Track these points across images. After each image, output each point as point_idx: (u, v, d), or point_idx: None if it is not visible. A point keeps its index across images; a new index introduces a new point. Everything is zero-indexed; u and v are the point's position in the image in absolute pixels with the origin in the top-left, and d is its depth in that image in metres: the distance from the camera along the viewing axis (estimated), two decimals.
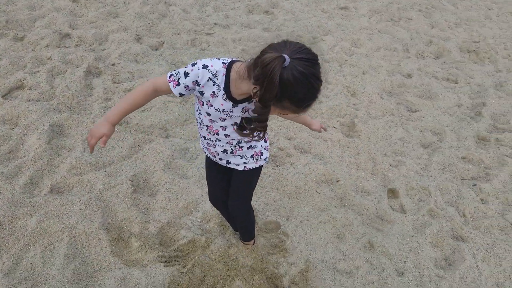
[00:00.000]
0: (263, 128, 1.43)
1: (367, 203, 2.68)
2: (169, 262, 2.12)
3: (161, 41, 4.13)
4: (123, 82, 3.40)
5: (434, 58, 4.77)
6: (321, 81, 1.31)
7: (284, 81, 1.22)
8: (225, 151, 1.70)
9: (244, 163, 1.77)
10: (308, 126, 2.03)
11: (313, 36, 4.72)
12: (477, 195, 2.88)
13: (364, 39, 4.82)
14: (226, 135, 1.62)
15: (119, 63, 3.60)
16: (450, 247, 2.47)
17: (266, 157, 1.81)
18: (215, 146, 1.70)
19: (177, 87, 1.47)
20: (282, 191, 2.67)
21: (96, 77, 3.41)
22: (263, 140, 1.78)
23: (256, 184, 1.94)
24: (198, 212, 2.42)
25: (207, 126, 1.60)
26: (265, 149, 1.80)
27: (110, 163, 2.63)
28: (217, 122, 1.57)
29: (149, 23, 4.35)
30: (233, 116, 1.53)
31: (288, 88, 1.24)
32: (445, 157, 3.18)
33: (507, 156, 3.27)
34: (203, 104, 1.52)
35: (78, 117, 2.91)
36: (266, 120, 1.38)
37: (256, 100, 1.31)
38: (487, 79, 4.38)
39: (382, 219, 2.61)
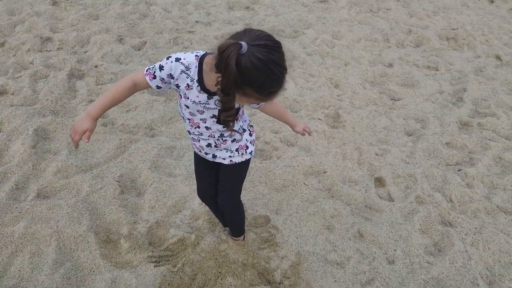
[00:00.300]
0: (231, 118, 1.43)
1: (355, 192, 2.72)
2: (159, 262, 2.13)
3: (143, 41, 4.10)
4: (107, 83, 3.37)
5: (414, 47, 4.82)
6: (284, 68, 1.31)
7: (242, 67, 1.23)
8: (209, 145, 1.71)
9: (230, 156, 1.77)
10: (292, 126, 1.99)
11: (295, 30, 4.74)
12: (462, 180, 2.93)
13: (344, 31, 4.85)
14: (207, 128, 1.63)
15: (102, 65, 3.57)
16: (439, 233, 2.52)
17: (251, 151, 1.82)
18: (199, 140, 1.71)
19: (153, 80, 1.51)
20: (270, 185, 2.68)
21: (79, 79, 3.38)
22: (247, 134, 1.79)
23: (244, 178, 1.94)
24: (187, 210, 2.42)
25: (188, 119, 1.63)
26: (250, 142, 1.81)
27: (97, 164, 2.62)
28: (196, 115, 1.59)
29: (130, 24, 4.32)
30: (210, 108, 1.54)
31: (247, 75, 1.25)
32: (430, 144, 3.23)
33: (489, 140, 3.34)
34: (181, 97, 1.56)
35: (63, 120, 2.88)
36: (232, 108, 1.38)
37: (218, 88, 1.32)
38: (467, 65, 4.46)
39: (370, 208, 2.65)
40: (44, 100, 3.03)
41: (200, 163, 1.92)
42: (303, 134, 1.99)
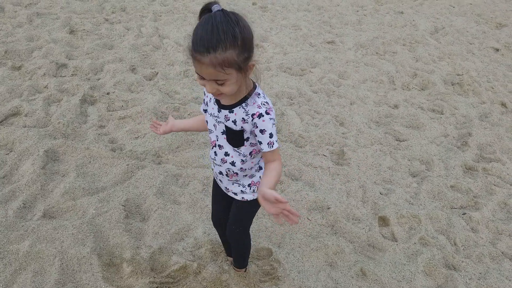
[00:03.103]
0: (236, 139, 1.56)
1: (358, 230, 2.71)
2: None
3: (155, 72, 4.22)
4: (118, 110, 3.45)
5: (419, 90, 4.92)
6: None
7: None
8: (221, 173, 1.73)
9: (242, 191, 1.76)
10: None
11: (302, 68, 4.88)
12: (467, 224, 2.92)
13: (350, 72, 4.98)
14: (220, 147, 1.64)
15: (113, 92, 3.67)
16: (443, 275, 2.49)
17: None
18: (214, 165, 1.73)
19: (202, 105, 1.70)
20: (273, 218, 2.68)
21: (91, 105, 3.46)
22: (262, 171, 1.76)
23: (254, 214, 1.94)
24: (190, 238, 2.42)
25: (210, 138, 1.69)
26: None
27: (103, 188, 2.64)
28: (212, 131, 1.64)
29: (143, 55, 4.47)
30: (220, 122, 1.57)
31: None
32: (434, 186, 3.24)
33: (494, 185, 3.34)
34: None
35: (73, 143, 2.94)
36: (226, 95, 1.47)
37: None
38: (472, 110, 4.53)
39: (373, 247, 2.63)
40: (56, 123, 3.10)
41: (217, 190, 1.93)
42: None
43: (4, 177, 2.57)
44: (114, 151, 2.98)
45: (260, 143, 1.51)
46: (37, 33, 4.46)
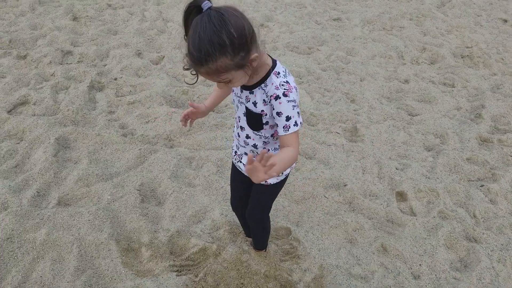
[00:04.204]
0: (254, 120, 1.51)
1: (376, 206, 2.67)
2: (181, 271, 2.09)
3: (161, 56, 4.15)
4: (126, 95, 3.41)
5: (429, 64, 4.83)
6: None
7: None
8: (246, 153, 1.69)
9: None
10: None
11: (309, 47, 4.78)
12: (485, 196, 2.88)
13: (358, 48, 4.88)
14: (241, 128, 1.60)
15: (121, 77, 3.61)
16: (464, 248, 2.45)
17: (287, 173, 1.76)
18: (238, 146, 1.69)
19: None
20: (290, 197, 2.65)
21: (99, 91, 3.41)
22: None
23: (275, 197, 1.89)
24: (207, 220, 2.39)
25: (235, 117, 1.65)
26: None
27: (117, 174, 2.61)
28: (237, 110, 1.60)
29: (148, 39, 4.39)
30: (242, 102, 1.53)
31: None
32: (450, 159, 3.19)
33: (511, 156, 3.28)
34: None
35: (83, 130, 2.90)
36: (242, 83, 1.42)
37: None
38: (483, 82, 4.44)
39: (393, 223, 2.60)
40: (65, 111, 3.06)
41: (236, 177, 1.89)
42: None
43: (16, 166, 2.54)
44: (126, 136, 2.94)
45: (277, 126, 1.45)
46: (41, 21, 4.38)
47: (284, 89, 1.39)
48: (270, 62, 1.45)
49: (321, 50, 4.73)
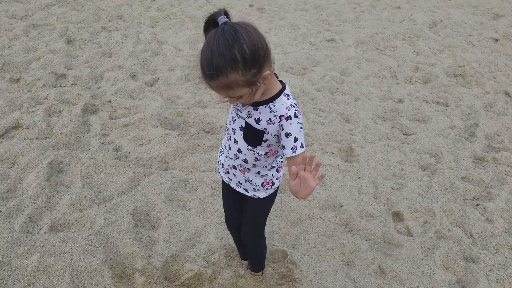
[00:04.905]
0: (254, 138, 1.49)
1: (373, 227, 2.65)
2: None
3: (156, 78, 4.18)
4: (120, 118, 3.40)
5: (422, 83, 4.88)
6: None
7: None
8: (234, 167, 1.67)
9: (254, 189, 1.71)
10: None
11: (303, 67, 4.83)
12: (481, 215, 2.86)
13: (352, 68, 4.94)
14: (235, 141, 1.59)
15: (115, 100, 3.62)
16: (462, 269, 2.43)
17: (276, 187, 1.76)
18: (227, 158, 1.67)
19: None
20: (286, 219, 2.63)
21: (93, 114, 3.41)
22: (275, 170, 1.71)
23: (268, 212, 1.88)
24: (202, 244, 2.36)
25: (227, 129, 1.63)
26: (277, 179, 1.73)
27: (110, 197, 2.58)
28: (231, 123, 1.58)
29: (143, 61, 4.42)
30: (241, 117, 1.52)
31: None
32: (445, 178, 3.18)
33: (506, 174, 3.29)
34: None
35: (77, 153, 2.88)
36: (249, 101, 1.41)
37: None
38: (476, 101, 4.48)
39: (389, 243, 2.57)
40: (58, 134, 3.05)
41: (228, 193, 1.88)
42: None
43: (8, 191, 2.51)
44: (119, 159, 2.92)
45: (283, 147, 1.44)
46: (34, 44, 4.41)
47: (295, 110, 1.42)
48: (279, 84, 1.47)
49: (316, 70, 4.78)
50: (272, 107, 1.43)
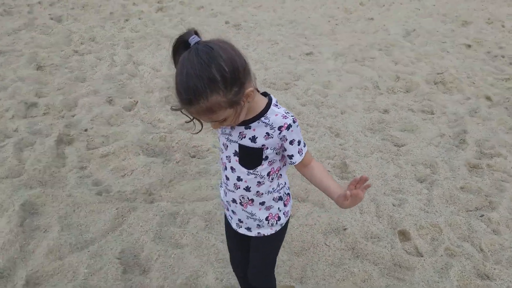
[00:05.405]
0: (251, 158, 1.37)
1: (381, 250, 2.49)
2: None
3: (134, 101, 3.94)
4: (98, 148, 3.14)
5: (405, 92, 4.84)
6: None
7: None
8: (234, 201, 1.49)
9: (258, 226, 1.53)
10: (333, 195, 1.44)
11: (285, 82, 4.70)
12: (487, 226, 2.76)
13: (334, 81, 4.85)
14: (232, 169, 1.43)
15: (92, 128, 3.35)
16: None
17: (283, 223, 1.57)
18: (227, 191, 1.50)
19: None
20: (289, 249, 2.43)
21: (69, 145, 3.13)
22: (282, 203, 1.53)
23: (277, 251, 1.69)
24: (201, 287, 2.12)
25: (220, 159, 1.48)
26: (283, 214, 1.55)
27: (93, 240, 2.31)
28: (223, 151, 1.44)
29: (119, 84, 4.18)
30: (232, 141, 1.38)
31: None
32: (445, 190, 3.08)
33: (502, 181, 3.22)
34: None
35: (52, 191, 2.60)
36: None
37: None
38: (460, 107, 4.46)
39: (400, 266, 2.42)
40: (31, 171, 2.76)
41: (231, 232, 1.68)
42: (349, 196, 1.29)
43: None
44: (100, 195, 2.65)
45: (291, 156, 1.39)
46: (1, 72, 4.11)
47: (291, 116, 1.33)
48: (263, 98, 1.36)
49: (298, 85, 4.66)
50: (266, 121, 1.32)
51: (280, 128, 1.31)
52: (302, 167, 1.45)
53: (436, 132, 3.95)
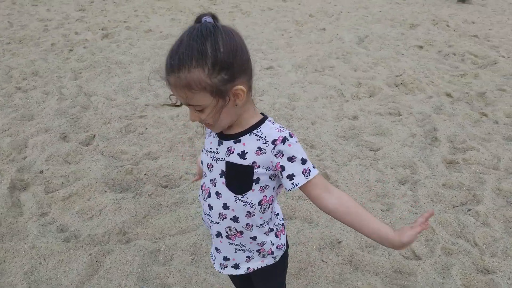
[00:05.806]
0: (240, 179, 1.20)
1: (379, 258, 2.37)
2: None
3: (91, 135, 3.65)
4: (58, 190, 2.83)
5: (369, 97, 4.87)
6: None
7: None
8: (219, 234, 1.29)
9: (248, 257, 1.33)
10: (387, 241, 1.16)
11: None
12: (476, 220, 2.73)
13: (299, 92, 4.81)
14: (217, 194, 1.24)
15: (48, 169, 3.03)
16: (483, 283, 2.22)
17: (276, 256, 1.38)
18: (210, 223, 1.31)
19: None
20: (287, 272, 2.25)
21: (24, 191, 2.80)
22: (273, 234, 1.34)
23: (283, 276, 1.52)
24: None
25: (201, 187, 1.31)
26: (277, 248, 1.36)
27: None
28: (206, 175, 1.27)
29: (72, 119, 3.87)
30: (219, 159, 1.21)
31: None
32: (428, 189, 3.04)
33: (481, 173, 3.24)
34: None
35: (12, 245, 2.27)
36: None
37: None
38: (425, 106, 4.53)
39: (401, 273, 2.30)
40: None
41: None
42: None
43: None
44: (69, 242, 2.36)
45: (292, 177, 1.14)
46: None
47: (287, 130, 1.17)
48: (259, 114, 1.22)
49: (264, 99, 4.56)
50: (259, 134, 1.17)
51: (274, 141, 1.14)
52: (314, 195, 1.16)
53: (407, 133, 3.96)
